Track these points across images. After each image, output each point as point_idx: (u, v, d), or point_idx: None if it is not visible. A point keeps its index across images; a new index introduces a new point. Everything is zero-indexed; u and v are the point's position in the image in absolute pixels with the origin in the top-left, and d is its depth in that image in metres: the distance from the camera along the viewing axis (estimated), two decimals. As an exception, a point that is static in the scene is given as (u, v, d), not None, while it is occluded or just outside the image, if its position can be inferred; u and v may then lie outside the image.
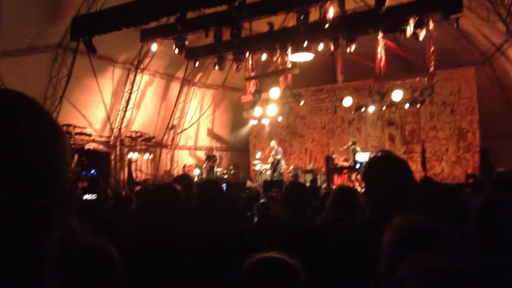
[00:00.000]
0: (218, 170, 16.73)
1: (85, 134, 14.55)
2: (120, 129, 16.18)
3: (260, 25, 13.50)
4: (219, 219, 2.82)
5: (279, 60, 14.57)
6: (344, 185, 7.28)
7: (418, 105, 15.08)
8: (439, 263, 0.74)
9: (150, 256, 2.42)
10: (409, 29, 11.58)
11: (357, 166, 13.52)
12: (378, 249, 1.57)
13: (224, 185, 5.04)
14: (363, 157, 13.80)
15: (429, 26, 12.05)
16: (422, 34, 11.63)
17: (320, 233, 2.60)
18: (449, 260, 0.76)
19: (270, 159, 15.69)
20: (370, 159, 2.33)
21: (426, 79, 14.38)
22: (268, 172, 15.72)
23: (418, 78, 14.78)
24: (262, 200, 5.71)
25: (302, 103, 16.17)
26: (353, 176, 13.31)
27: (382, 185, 2.04)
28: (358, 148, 14.54)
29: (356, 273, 1.86)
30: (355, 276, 1.87)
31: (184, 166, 18.64)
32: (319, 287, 2.07)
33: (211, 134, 20.36)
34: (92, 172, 14.16)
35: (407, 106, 15.12)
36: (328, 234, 2.44)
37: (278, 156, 15.36)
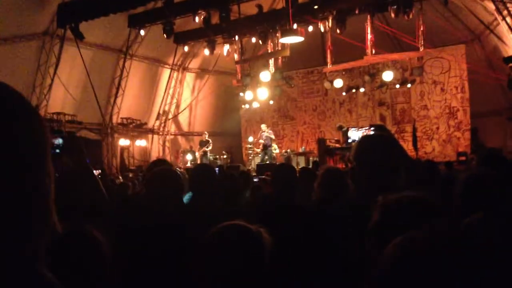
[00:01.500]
0: (211, 155, 16.73)
1: (76, 122, 14.46)
2: (111, 116, 16.09)
3: (249, 8, 13.38)
4: (212, 201, 2.84)
5: (269, 42, 14.50)
6: (331, 166, 7.32)
7: (409, 85, 15.13)
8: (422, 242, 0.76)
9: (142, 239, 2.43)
10: (399, 9, 11.56)
11: (349, 140, 13.59)
12: (365, 227, 1.58)
13: (216, 169, 5.08)
14: (356, 134, 13.86)
15: (418, 5, 12.04)
16: (411, 13, 11.62)
17: (304, 209, 2.64)
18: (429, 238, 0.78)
19: (261, 141, 15.69)
20: (360, 139, 2.34)
21: (416, 58, 14.39)
22: (260, 156, 15.74)
23: (408, 58, 14.79)
24: (255, 182, 5.76)
25: (293, 85, 16.14)
26: (346, 157, 13.37)
27: (371, 164, 2.05)
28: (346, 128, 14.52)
29: (340, 250, 1.90)
30: (340, 253, 1.91)
31: (177, 152, 18.63)
32: (304, 260, 2.10)
33: (203, 119, 20.30)
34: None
35: (398, 86, 15.17)
36: (312, 211, 2.47)
37: (271, 136, 15.39)
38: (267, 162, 14.57)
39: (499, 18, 11.99)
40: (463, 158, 13.82)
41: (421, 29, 13.20)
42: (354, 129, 14.44)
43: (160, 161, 3.83)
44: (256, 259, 1.55)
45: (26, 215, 0.66)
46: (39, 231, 0.68)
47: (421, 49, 13.58)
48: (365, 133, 13.14)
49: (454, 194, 2.16)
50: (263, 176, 7.71)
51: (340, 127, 14.40)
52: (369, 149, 2.16)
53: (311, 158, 15.22)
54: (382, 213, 1.47)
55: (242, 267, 1.53)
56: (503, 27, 12.29)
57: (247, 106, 17.16)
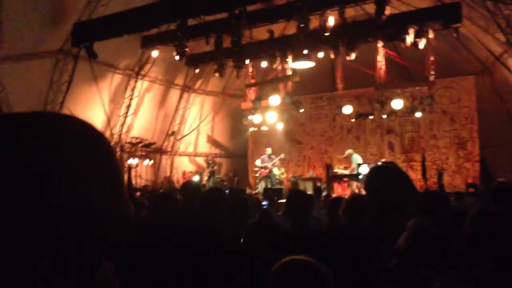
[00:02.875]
0: (217, 177, 16.72)
1: (85, 140, 14.53)
2: (120, 135, 16.19)
3: (261, 33, 13.55)
4: (223, 226, 2.82)
5: (279, 67, 14.62)
6: (357, 193, 7.33)
7: (419, 114, 15.11)
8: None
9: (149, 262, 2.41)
10: (409, 38, 11.64)
11: (360, 176, 13.42)
12: (383, 252, 1.61)
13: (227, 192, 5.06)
14: (365, 168, 13.75)
15: (429, 35, 12.13)
16: (422, 43, 11.70)
17: (331, 241, 2.62)
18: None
19: (269, 165, 15.66)
20: (373, 169, 2.39)
21: (426, 88, 14.43)
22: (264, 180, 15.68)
23: (418, 87, 14.82)
24: (264, 207, 5.72)
25: (301, 110, 16.19)
26: (354, 185, 13.28)
27: (384, 193, 2.12)
28: (358, 158, 14.40)
29: (365, 276, 1.90)
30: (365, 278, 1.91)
31: (184, 173, 18.63)
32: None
33: (211, 140, 20.37)
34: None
35: (407, 114, 15.15)
36: (340, 241, 2.46)
37: (269, 165, 15.36)
38: (270, 186, 14.54)
39: (510, 50, 12.04)
40: (472, 189, 13.69)
41: (431, 59, 13.28)
42: (366, 164, 14.31)
43: (190, 183, 3.86)
44: None
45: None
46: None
47: (431, 78, 13.62)
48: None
49: (463, 229, 2.20)
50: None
51: (351, 154, 14.29)
52: (379, 178, 2.27)
53: (318, 184, 15.13)
54: (411, 238, 1.48)
55: None
56: (513, 60, 12.34)
57: (255, 129, 17.21)
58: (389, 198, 2.10)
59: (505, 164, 14.16)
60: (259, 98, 15.16)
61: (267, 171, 15.47)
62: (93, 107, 14.61)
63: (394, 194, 2.10)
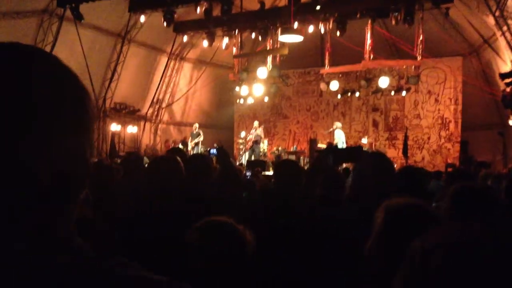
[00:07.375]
0: (202, 147, 16.69)
1: (68, 104, 14.32)
2: (104, 99, 15.96)
3: (251, 3, 13.35)
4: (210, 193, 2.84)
5: (268, 39, 14.48)
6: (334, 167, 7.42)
7: (404, 93, 15.20)
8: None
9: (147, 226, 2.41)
10: (400, 16, 11.63)
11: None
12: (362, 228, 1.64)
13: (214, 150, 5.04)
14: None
15: (419, 14, 12.11)
16: (412, 22, 11.70)
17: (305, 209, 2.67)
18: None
19: (250, 137, 15.68)
20: (366, 154, 2.49)
21: (413, 67, 14.48)
22: (248, 152, 15.73)
23: (405, 66, 14.86)
24: (248, 177, 5.77)
25: (289, 84, 16.14)
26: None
27: (373, 175, 2.26)
28: (342, 135, 14.47)
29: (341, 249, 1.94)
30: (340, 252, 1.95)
31: (167, 141, 18.55)
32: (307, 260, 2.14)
33: (196, 110, 20.24)
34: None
35: (393, 93, 15.23)
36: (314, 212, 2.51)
37: (261, 134, 15.38)
38: (254, 158, 14.58)
39: (498, 33, 12.10)
40: (451, 169, 13.93)
41: (420, 38, 13.28)
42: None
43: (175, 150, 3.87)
44: (236, 258, 1.61)
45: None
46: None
47: (419, 58, 13.66)
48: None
49: (446, 200, 2.25)
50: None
51: (337, 128, 14.36)
52: (372, 161, 2.45)
53: (301, 158, 15.24)
54: (388, 215, 1.51)
55: (222, 264, 1.59)
56: (501, 43, 12.40)
57: (241, 101, 17.14)
58: (378, 179, 2.21)
59: (486, 146, 14.43)
60: (246, 70, 15.05)
61: (251, 143, 15.50)
62: (78, 70, 14.19)
63: (382, 176, 2.23)
